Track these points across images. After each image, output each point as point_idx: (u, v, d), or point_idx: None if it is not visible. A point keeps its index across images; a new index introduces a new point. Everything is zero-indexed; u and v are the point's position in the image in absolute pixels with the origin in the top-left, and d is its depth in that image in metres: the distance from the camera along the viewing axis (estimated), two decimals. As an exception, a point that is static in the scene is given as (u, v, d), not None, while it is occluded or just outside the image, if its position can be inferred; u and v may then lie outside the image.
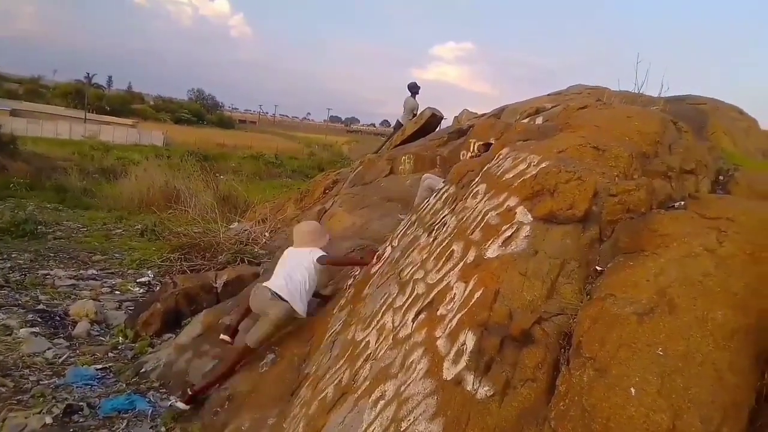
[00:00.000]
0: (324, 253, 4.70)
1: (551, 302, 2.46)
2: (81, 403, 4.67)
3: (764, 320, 2.07)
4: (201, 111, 76.98)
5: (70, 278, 8.35)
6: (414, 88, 11.70)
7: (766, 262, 2.22)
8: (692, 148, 3.99)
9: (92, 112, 57.48)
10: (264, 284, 4.66)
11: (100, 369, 5.49)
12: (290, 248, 4.94)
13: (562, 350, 2.22)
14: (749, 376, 1.97)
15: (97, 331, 6.54)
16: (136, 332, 6.29)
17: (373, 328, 3.55)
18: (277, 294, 4.48)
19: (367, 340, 3.50)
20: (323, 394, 3.38)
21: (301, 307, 4.53)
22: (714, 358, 1.92)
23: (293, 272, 4.58)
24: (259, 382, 4.44)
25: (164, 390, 5.08)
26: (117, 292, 8.02)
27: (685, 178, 3.60)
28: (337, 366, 3.57)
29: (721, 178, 3.96)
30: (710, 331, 1.99)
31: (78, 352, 5.89)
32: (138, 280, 8.67)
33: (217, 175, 18.75)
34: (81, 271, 8.83)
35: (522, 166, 3.53)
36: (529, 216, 2.97)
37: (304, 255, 4.67)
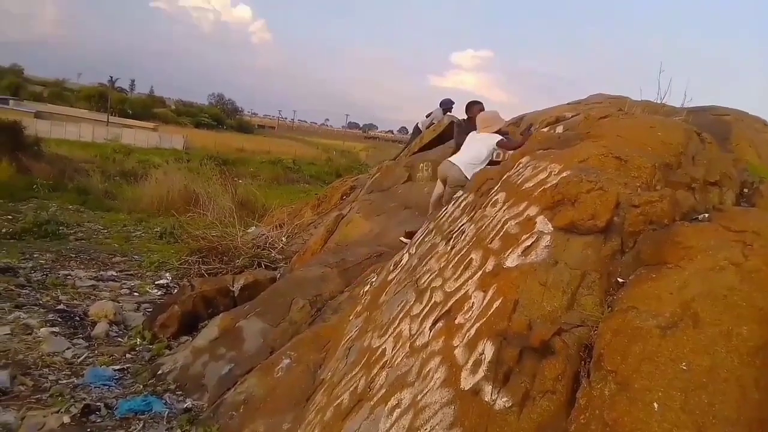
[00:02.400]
0: (501, 138, 5.68)
1: (571, 313, 2.43)
2: (98, 404, 4.73)
3: (791, 336, 2.02)
4: (221, 115, 77.66)
5: (91, 279, 8.48)
6: (447, 105, 11.53)
7: (792, 277, 2.17)
8: (716, 159, 3.93)
9: (115, 115, 58.29)
10: (448, 159, 5.83)
11: (118, 370, 5.55)
12: (473, 133, 5.90)
13: (583, 362, 2.19)
14: (775, 394, 1.93)
15: (116, 332, 6.62)
16: (153, 334, 6.36)
17: (390, 335, 3.54)
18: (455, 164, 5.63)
19: (383, 347, 3.49)
20: (339, 401, 3.38)
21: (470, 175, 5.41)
22: (739, 375, 1.88)
23: (471, 151, 5.67)
24: (275, 387, 4.45)
25: (180, 392, 5.13)
26: (136, 294, 8.12)
27: (709, 190, 3.54)
28: (353, 372, 3.57)
29: (745, 190, 3.88)
30: (735, 347, 1.95)
31: (96, 352, 5.98)
32: (156, 282, 8.77)
33: (235, 179, 18.97)
34: (101, 272, 8.97)
35: (542, 175, 3.50)
36: (550, 226, 2.94)
37: (484, 138, 5.71)
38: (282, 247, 9.88)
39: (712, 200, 3.43)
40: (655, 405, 1.83)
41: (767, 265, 2.24)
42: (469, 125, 6.32)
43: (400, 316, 3.62)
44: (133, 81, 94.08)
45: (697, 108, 6.18)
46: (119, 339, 6.45)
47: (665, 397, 1.84)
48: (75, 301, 7.34)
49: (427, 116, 11.71)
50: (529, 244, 2.91)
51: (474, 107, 6.60)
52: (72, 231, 12.10)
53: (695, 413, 1.78)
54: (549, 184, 3.27)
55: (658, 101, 5.89)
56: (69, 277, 8.38)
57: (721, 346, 1.95)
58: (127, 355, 5.97)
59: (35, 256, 9.29)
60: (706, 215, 2.87)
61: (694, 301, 2.14)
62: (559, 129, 5.12)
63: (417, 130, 12.00)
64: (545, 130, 5.43)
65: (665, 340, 2.02)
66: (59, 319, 6.59)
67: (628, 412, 1.85)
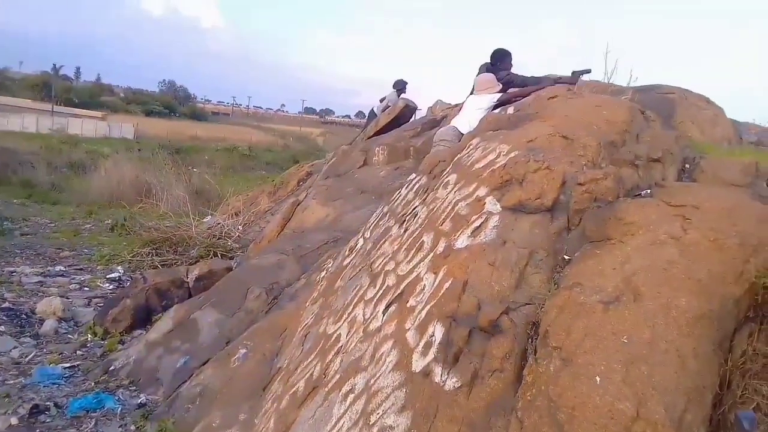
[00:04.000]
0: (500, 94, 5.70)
1: (519, 292, 2.45)
2: (48, 403, 4.58)
3: (726, 306, 2.09)
4: (173, 103, 75.42)
5: (37, 275, 8.17)
6: (401, 86, 11.56)
7: (728, 249, 2.24)
8: (659, 136, 4.02)
9: (60, 105, 56.00)
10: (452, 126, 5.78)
11: (68, 368, 5.38)
12: (471, 96, 5.87)
13: (530, 340, 2.22)
14: (712, 362, 1.99)
15: (65, 328, 6.42)
16: (105, 329, 6.18)
17: (345, 320, 3.52)
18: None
19: (338, 333, 3.47)
20: (294, 389, 3.35)
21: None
22: (678, 345, 1.93)
23: (471, 113, 5.56)
24: (231, 377, 4.38)
25: (134, 388, 5.01)
26: (86, 289, 7.87)
27: (652, 167, 3.61)
28: (309, 360, 3.54)
29: (687, 166, 3.99)
30: (674, 318, 2.00)
31: (45, 350, 5.77)
32: (107, 276, 8.51)
33: (189, 168, 18.51)
34: (48, 268, 8.65)
35: (492, 156, 3.51)
36: (498, 206, 2.96)
37: (483, 98, 5.65)
38: (238, 236, 9.73)
39: (655, 176, 3.50)
40: (598, 379, 1.87)
41: (705, 238, 2.31)
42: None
43: (355, 301, 3.60)
44: (78, 68, 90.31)
45: (643, 87, 6.33)
46: (69, 336, 6.25)
47: (607, 370, 1.88)
48: (21, 299, 7.06)
49: (381, 100, 11.68)
50: (479, 224, 2.93)
51: (506, 59, 6.25)
52: (17, 226, 11.61)
53: (635, 385, 1.83)
54: (498, 165, 3.30)
55: (606, 81, 6.01)
56: (14, 273, 8.05)
57: (661, 318, 2.00)
58: (78, 352, 5.79)
59: (-23, 253, 8.89)
60: (649, 191, 2.93)
61: (635, 275, 2.19)
62: (510, 110, 5.15)
63: (372, 115, 11.96)
64: (496, 111, 5.45)
65: (607, 314, 2.06)
66: (5, 318, 6.33)
67: (572, 387, 1.88)
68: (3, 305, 6.72)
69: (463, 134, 5.33)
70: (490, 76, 5.87)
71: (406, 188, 4.66)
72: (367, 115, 13.24)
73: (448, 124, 6.30)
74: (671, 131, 4.61)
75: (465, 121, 5.56)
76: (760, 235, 2.27)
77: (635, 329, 1.98)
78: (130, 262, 9.08)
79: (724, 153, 4.64)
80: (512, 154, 3.31)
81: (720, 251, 2.24)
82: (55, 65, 66.89)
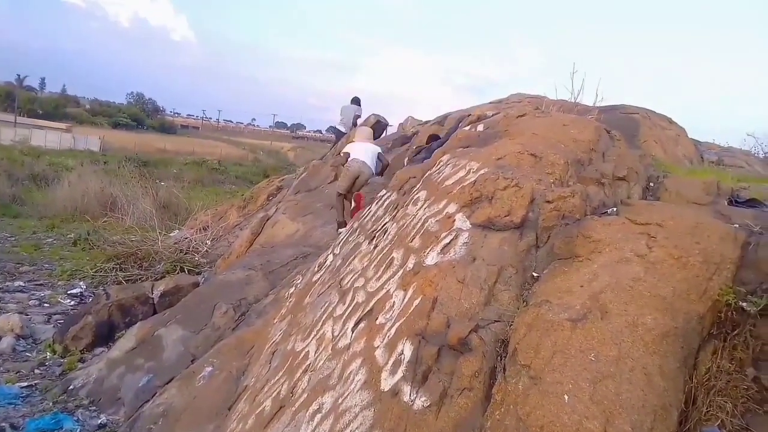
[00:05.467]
0: (379, 150, 7.14)
1: (489, 309, 2.45)
2: (3, 424, 4.40)
3: (691, 323, 2.13)
4: (140, 115, 74.03)
5: (-6, 291, 7.86)
6: (357, 101, 11.82)
7: (692, 267, 2.28)
8: (624, 155, 4.11)
9: (23, 116, 54.52)
10: (358, 158, 6.72)
11: (25, 387, 5.18)
12: (356, 142, 7.10)
13: (499, 358, 2.21)
14: (678, 379, 2.01)
15: (23, 346, 6.18)
16: (65, 347, 5.98)
17: (313, 338, 3.47)
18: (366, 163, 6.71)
19: (306, 350, 3.41)
20: (261, 408, 3.28)
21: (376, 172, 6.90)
22: (644, 363, 1.95)
23: (368, 154, 6.77)
24: (196, 396, 4.27)
25: (94, 408, 4.84)
26: (46, 305, 7.61)
27: (618, 185, 3.69)
28: (276, 378, 3.47)
29: (651, 184, 4.08)
30: (641, 336, 2.02)
31: (1, 369, 5.54)
32: (69, 292, 8.25)
33: (157, 181, 18.18)
34: (7, 283, 8.35)
35: (461, 173, 3.53)
36: (468, 223, 2.97)
37: (370, 146, 7.01)
38: (206, 251, 9.56)
39: (621, 194, 3.58)
40: (566, 397, 1.87)
41: (670, 255, 2.35)
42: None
43: (324, 317, 3.55)
44: (43, 79, 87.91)
45: (608, 107, 6.49)
46: (27, 354, 6.02)
47: (575, 388, 1.88)
48: (-23, 315, 6.78)
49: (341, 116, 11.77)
50: (448, 241, 2.93)
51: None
52: (-26, 240, 11.21)
53: (603, 403, 1.83)
54: (467, 182, 3.31)
55: (573, 100, 6.13)
56: (-30, 289, 7.75)
57: (627, 336, 2.02)
58: (36, 371, 5.58)
59: (-69, 268, 8.54)
60: (615, 209, 2.98)
61: (602, 293, 2.21)
62: (480, 127, 5.20)
63: (335, 130, 12.00)
64: (467, 128, 5.49)
65: (575, 332, 2.07)
66: (-41, 336, 6.07)
67: (541, 406, 1.88)
68: (-43, 322, 6.44)
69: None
70: (369, 131, 7.62)
71: (376, 204, 4.66)
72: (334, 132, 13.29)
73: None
74: (636, 150, 4.73)
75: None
76: (722, 253, 2.32)
77: (602, 347, 1.99)
78: (93, 278, 8.82)
79: (687, 172, 4.77)
80: (482, 172, 3.33)
81: (684, 269, 2.28)
82: (19, 75, 65.19)
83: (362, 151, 6.82)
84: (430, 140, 7.11)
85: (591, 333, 2.05)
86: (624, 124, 5.65)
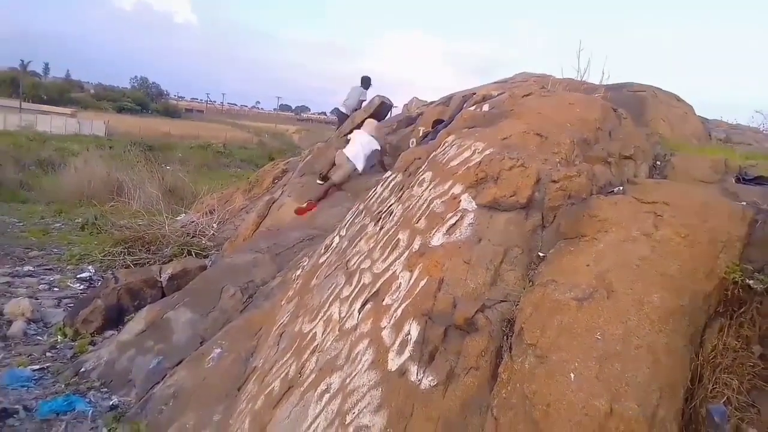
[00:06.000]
0: (378, 148, 7.43)
1: (495, 289, 2.46)
2: (17, 406, 4.44)
3: (697, 302, 2.12)
4: (145, 99, 73.98)
5: (5, 276, 7.92)
6: (367, 82, 11.60)
7: (699, 245, 2.27)
8: (631, 134, 4.08)
9: (28, 101, 54.58)
10: (342, 150, 7.25)
11: (38, 370, 5.23)
12: (357, 131, 7.49)
13: (505, 337, 2.22)
14: (684, 357, 2.02)
15: (34, 330, 6.23)
16: (75, 330, 6.02)
17: (321, 319, 3.49)
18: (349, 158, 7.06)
19: (314, 331, 3.44)
20: (270, 389, 3.31)
21: (360, 167, 7.18)
22: (650, 341, 1.96)
23: (359, 146, 7.11)
24: (205, 377, 4.31)
25: (106, 390, 4.89)
26: (55, 289, 7.66)
27: (625, 164, 3.67)
28: (284, 359, 3.50)
29: (658, 163, 4.06)
30: (647, 314, 2.02)
31: (13, 352, 5.60)
32: (78, 276, 8.29)
33: (162, 165, 18.19)
34: (17, 268, 8.39)
35: (467, 154, 3.51)
36: (474, 203, 2.97)
37: (367, 138, 7.26)
38: (213, 234, 9.59)
39: (627, 173, 3.56)
40: (572, 375, 1.88)
41: (677, 234, 2.34)
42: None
43: (330, 299, 3.57)
44: (47, 64, 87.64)
45: (615, 85, 6.41)
46: (38, 337, 6.08)
47: (581, 367, 1.89)
48: (-12, 301, 6.85)
49: (345, 100, 11.63)
50: (454, 222, 2.93)
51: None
52: (-17, 226, 11.28)
53: (609, 381, 1.84)
54: (473, 162, 3.30)
55: (579, 79, 6.07)
56: (-20, 274, 7.82)
57: (633, 314, 2.03)
58: (47, 354, 5.64)
59: (-58, 254, 8.61)
60: (621, 188, 2.96)
61: (608, 272, 2.21)
62: (485, 107, 5.16)
63: (338, 112, 11.88)
64: (472, 108, 5.46)
65: (581, 311, 2.07)
66: (-30, 320, 6.14)
67: (547, 384, 1.89)
68: (-32, 307, 6.52)
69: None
70: (375, 125, 7.82)
71: (382, 186, 4.65)
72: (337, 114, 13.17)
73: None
74: (643, 129, 4.68)
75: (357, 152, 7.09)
76: (729, 231, 2.31)
77: (609, 326, 2.00)
78: (101, 262, 8.87)
79: (694, 150, 4.72)
80: (487, 152, 3.31)
81: (691, 247, 2.27)
82: (23, 61, 64.97)
83: (358, 146, 7.16)
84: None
85: (597, 312, 2.05)
86: (631, 102, 5.59)
